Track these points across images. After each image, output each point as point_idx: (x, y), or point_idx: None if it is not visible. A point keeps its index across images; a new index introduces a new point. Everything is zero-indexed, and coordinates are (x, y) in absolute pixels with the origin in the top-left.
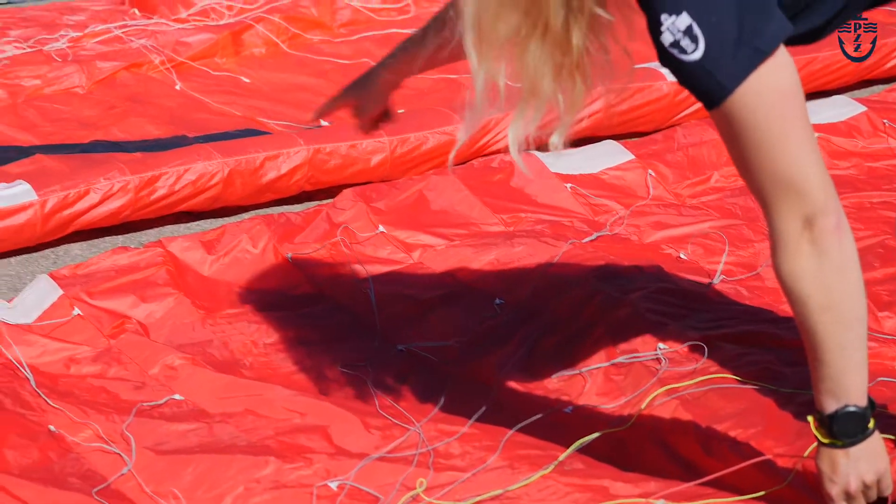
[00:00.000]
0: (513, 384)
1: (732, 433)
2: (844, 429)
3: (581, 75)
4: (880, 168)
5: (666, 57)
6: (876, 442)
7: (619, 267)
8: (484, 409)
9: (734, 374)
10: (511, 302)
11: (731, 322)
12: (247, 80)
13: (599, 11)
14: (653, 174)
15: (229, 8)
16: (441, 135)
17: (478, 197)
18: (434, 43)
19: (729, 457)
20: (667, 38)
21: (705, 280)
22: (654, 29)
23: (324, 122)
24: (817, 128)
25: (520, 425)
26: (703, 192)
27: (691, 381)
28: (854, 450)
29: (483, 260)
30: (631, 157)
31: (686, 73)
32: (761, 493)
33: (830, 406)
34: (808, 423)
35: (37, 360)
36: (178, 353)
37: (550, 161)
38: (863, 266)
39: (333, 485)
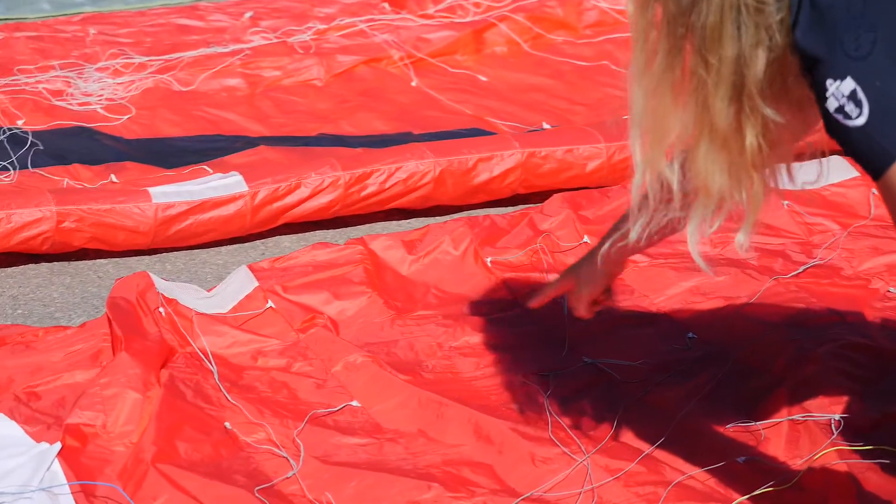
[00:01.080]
0: (689, 422)
1: None
2: None
3: (759, 172)
4: None
5: (831, 124)
6: None
7: (818, 313)
8: (660, 441)
9: None
10: (703, 338)
11: None
12: (484, 79)
13: (771, 113)
14: (876, 193)
15: (476, 5)
16: None
17: None
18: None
19: None
20: (832, 104)
21: None
22: (820, 95)
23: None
24: None
25: (688, 474)
26: None
27: (862, 448)
28: None
29: (683, 286)
30: (856, 174)
31: (850, 140)
32: None
33: None
34: None
35: (226, 350)
36: (361, 351)
37: None
38: None
39: None
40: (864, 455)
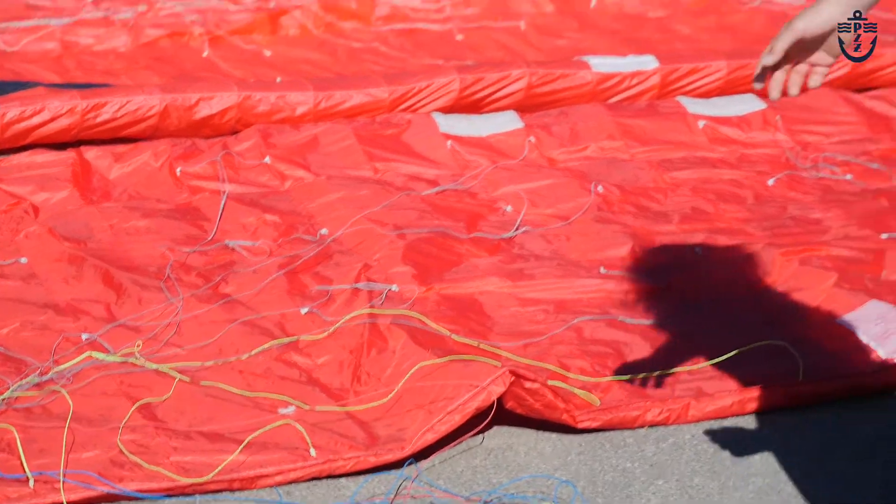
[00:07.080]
0: (278, 287)
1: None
2: None
3: None
4: (752, 154)
5: None
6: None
7: (427, 217)
8: (250, 292)
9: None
10: (331, 233)
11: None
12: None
13: None
14: (532, 140)
15: None
16: (365, 95)
17: (364, 146)
18: None
19: None
20: None
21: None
22: None
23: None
24: (716, 120)
25: (252, 316)
26: (575, 158)
27: (391, 312)
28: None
29: (332, 196)
30: (521, 125)
31: None
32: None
33: None
34: None
35: None
36: (40, 224)
37: (448, 123)
38: None
39: None
40: (394, 318)
